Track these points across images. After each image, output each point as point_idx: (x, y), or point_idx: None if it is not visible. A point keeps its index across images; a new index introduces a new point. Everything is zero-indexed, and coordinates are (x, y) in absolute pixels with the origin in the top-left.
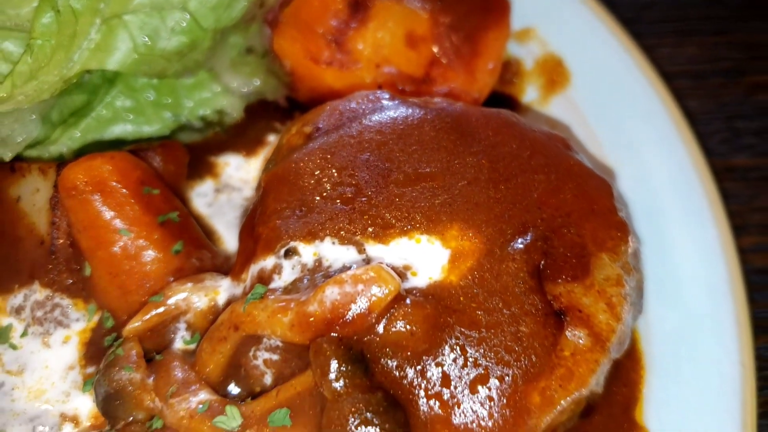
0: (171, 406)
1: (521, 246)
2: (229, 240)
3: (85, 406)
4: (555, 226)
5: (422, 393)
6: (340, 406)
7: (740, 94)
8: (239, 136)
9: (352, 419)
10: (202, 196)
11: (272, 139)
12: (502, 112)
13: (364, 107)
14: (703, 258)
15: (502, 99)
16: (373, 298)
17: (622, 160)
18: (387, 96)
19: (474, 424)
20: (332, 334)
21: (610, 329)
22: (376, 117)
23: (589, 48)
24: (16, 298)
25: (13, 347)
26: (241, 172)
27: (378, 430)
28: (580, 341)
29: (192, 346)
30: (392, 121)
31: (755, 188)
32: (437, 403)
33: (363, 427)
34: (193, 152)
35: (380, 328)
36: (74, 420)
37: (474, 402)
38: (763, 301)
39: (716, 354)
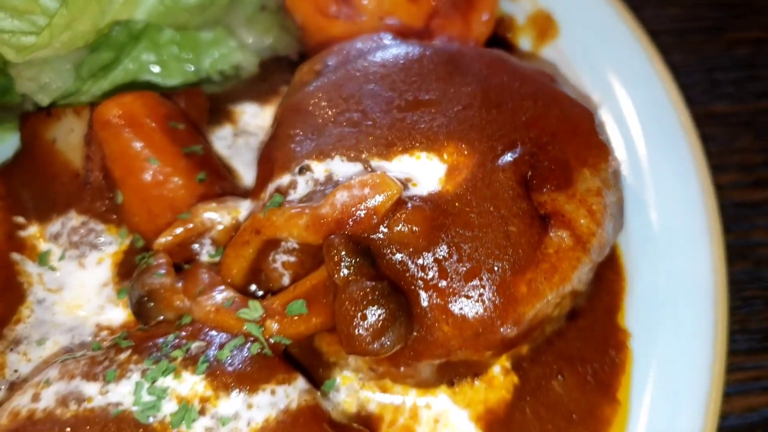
0: (198, 303)
1: (510, 159)
2: (247, 177)
3: (118, 317)
4: (541, 143)
5: (422, 284)
6: (350, 290)
7: (720, 48)
8: (255, 87)
9: (361, 301)
10: (222, 140)
11: (285, 89)
12: (494, 50)
13: (368, 46)
14: (682, 187)
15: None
16: (378, 200)
17: (605, 102)
18: (389, 36)
19: (468, 310)
20: (342, 232)
21: (591, 232)
22: (379, 53)
23: (576, 2)
24: (54, 226)
25: (53, 269)
26: (257, 119)
27: (383, 310)
28: (564, 241)
29: (217, 259)
30: (394, 56)
31: (734, 132)
32: (435, 292)
33: (370, 307)
34: (213, 101)
35: (384, 227)
36: (108, 328)
37: (468, 291)
38: (739, 230)
39: (691, 271)
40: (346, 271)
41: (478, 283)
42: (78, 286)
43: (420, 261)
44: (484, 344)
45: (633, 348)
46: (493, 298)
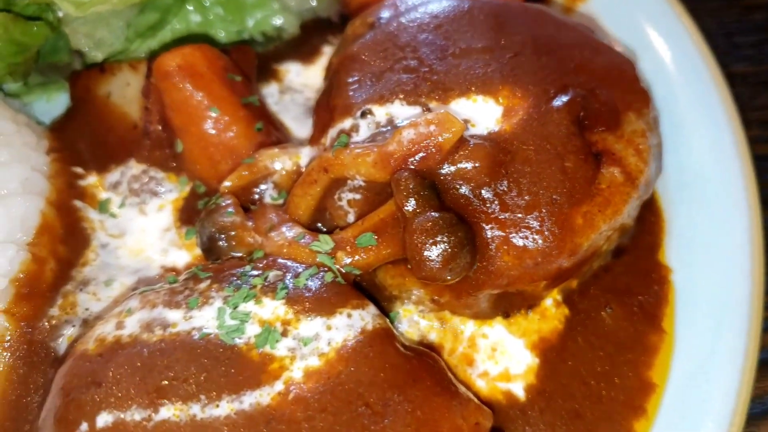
0: (270, 238)
1: (563, 101)
2: (296, 130)
3: (181, 259)
4: (590, 88)
5: (484, 216)
6: (420, 220)
7: (737, 14)
8: (297, 48)
9: (431, 230)
10: (269, 96)
11: (327, 50)
12: (537, 4)
13: (419, 1)
14: (715, 135)
15: None
16: (443, 136)
17: (637, 58)
18: None
19: (528, 241)
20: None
21: (639, 169)
22: (430, 5)
23: None
24: (113, 176)
25: (113, 216)
26: (301, 77)
27: (452, 238)
28: (615, 176)
29: (280, 202)
30: (445, 7)
31: (754, 91)
32: (497, 224)
33: (440, 235)
34: (259, 60)
35: (448, 163)
36: (173, 270)
37: (528, 223)
38: (762, 182)
39: (727, 209)
40: (414, 204)
41: (537, 214)
42: (139, 231)
43: (482, 195)
44: (542, 274)
45: (675, 282)
46: (552, 229)
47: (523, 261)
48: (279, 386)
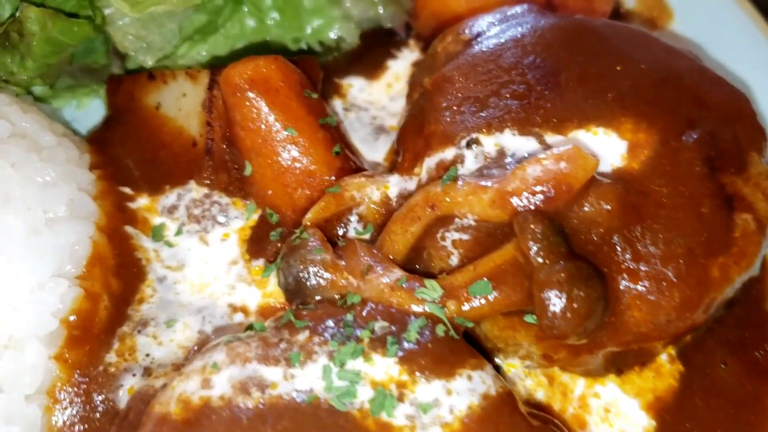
0: (369, 281)
1: (693, 138)
2: (366, 153)
3: (252, 297)
4: (714, 124)
5: (614, 266)
6: (551, 270)
7: None
8: (358, 61)
9: (566, 282)
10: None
11: (392, 64)
12: (639, 28)
13: (518, 17)
14: None
15: None
16: (574, 175)
17: None
18: (535, 7)
19: (663, 295)
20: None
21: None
22: (534, 24)
23: None
24: (168, 198)
25: (169, 244)
26: (364, 93)
27: (589, 293)
28: (748, 224)
29: (366, 237)
30: (552, 27)
31: None
32: (628, 275)
33: (576, 289)
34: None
35: (578, 205)
36: (243, 310)
37: (663, 275)
38: None
39: None
40: (544, 250)
41: (674, 266)
42: (201, 263)
43: (613, 241)
44: (672, 331)
45: None
46: (689, 283)
47: (656, 317)
48: None
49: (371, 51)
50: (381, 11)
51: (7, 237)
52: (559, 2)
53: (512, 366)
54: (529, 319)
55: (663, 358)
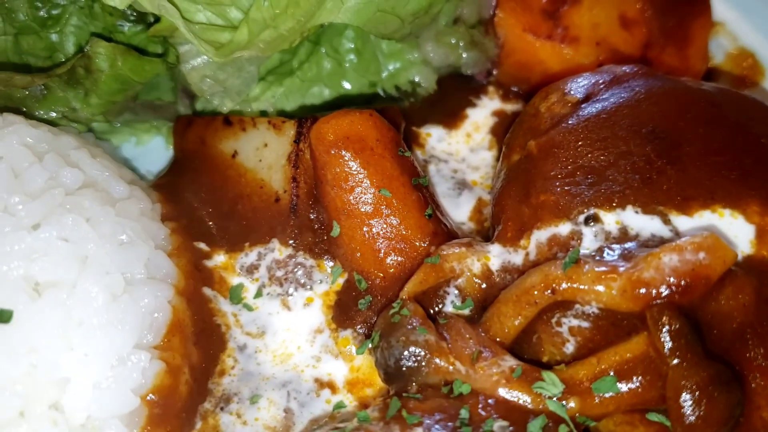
0: (480, 369)
1: None
2: (449, 208)
3: (339, 371)
4: None
5: (745, 363)
6: (689, 374)
7: None
8: (435, 108)
9: (708, 388)
10: None
11: (471, 112)
12: (753, 96)
13: (628, 78)
14: None
15: None
16: (714, 267)
17: None
18: (645, 69)
19: None
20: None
21: None
22: (648, 89)
23: None
24: (248, 257)
25: (249, 308)
26: (443, 144)
27: (731, 398)
28: None
29: (464, 312)
30: (668, 93)
31: None
32: (761, 373)
33: (717, 394)
34: None
35: (713, 299)
36: (330, 386)
37: None
38: None
39: None
40: (681, 350)
41: None
42: (283, 330)
43: (745, 337)
44: None
45: None
46: None
47: None
48: None
49: (448, 98)
50: (463, 57)
51: (88, 306)
52: (653, 56)
53: None
54: (653, 417)
55: None
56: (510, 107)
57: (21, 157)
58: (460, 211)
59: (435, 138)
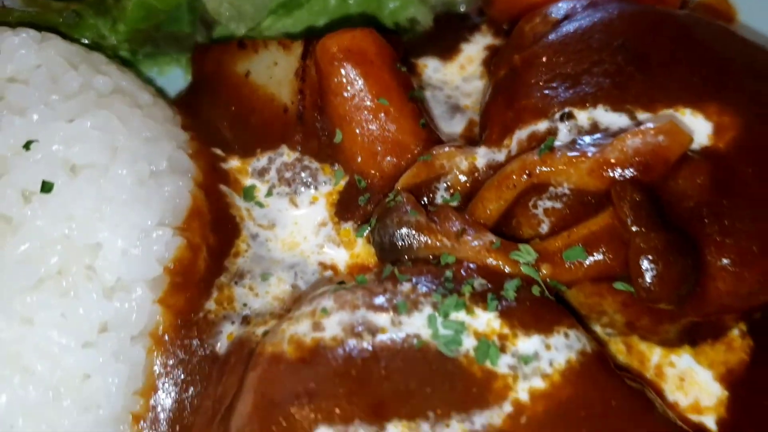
0: (464, 243)
1: None
2: (443, 128)
3: (341, 257)
4: None
5: (703, 238)
6: (650, 238)
7: None
8: (432, 42)
9: (665, 251)
10: None
11: (465, 47)
12: (719, 22)
13: (602, 1)
14: None
15: None
16: (672, 149)
17: None
18: None
19: (747, 268)
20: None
21: None
22: (621, 10)
23: None
24: (259, 162)
25: (260, 205)
26: (438, 74)
27: (686, 261)
28: None
29: (452, 204)
30: (639, 14)
31: None
32: (715, 247)
33: (675, 257)
34: None
35: (671, 178)
36: (333, 268)
37: (749, 249)
38: None
39: None
40: (642, 219)
41: (757, 240)
42: (291, 224)
43: (701, 214)
44: (753, 303)
45: None
46: None
47: (739, 289)
48: (507, 408)
49: (445, 33)
50: None
51: (118, 186)
52: None
53: (595, 334)
54: (619, 286)
55: (735, 332)
56: (501, 42)
57: (58, 65)
58: (452, 130)
59: (431, 69)
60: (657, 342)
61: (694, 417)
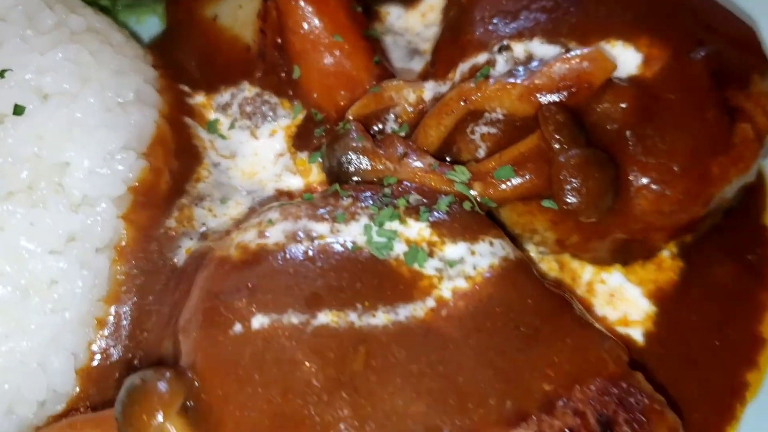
0: (405, 164)
1: (702, 55)
2: (401, 72)
3: (296, 184)
4: (722, 46)
5: (626, 158)
6: (571, 154)
7: None
8: None
9: (583, 164)
10: None
11: None
12: None
13: None
14: None
15: None
16: (595, 74)
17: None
18: None
19: (667, 186)
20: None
21: (766, 128)
22: None
23: None
24: (223, 97)
25: (223, 137)
26: (401, 21)
27: (603, 175)
28: (747, 132)
29: (400, 134)
30: None
31: None
32: (638, 167)
33: (591, 171)
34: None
35: (597, 102)
36: (289, 194)
37: (669, 169)
38: None
39: None
40: (564, 138)
41: (679, 161)
42: (251, 154)
43: (625, 136)
44: (674, 222)
45: None
46: (691, 176)
47: (660, 206)
48: (431, 303)
49: None
50: None
51: (86, 112)
52: None
53: (526, 252)
54: (547, 203)
55: (665, 254)
56: None
57: (34, 4)
58: (410, 72)
59: (394, 16)
60: (589, 260)
61: (621, 329)
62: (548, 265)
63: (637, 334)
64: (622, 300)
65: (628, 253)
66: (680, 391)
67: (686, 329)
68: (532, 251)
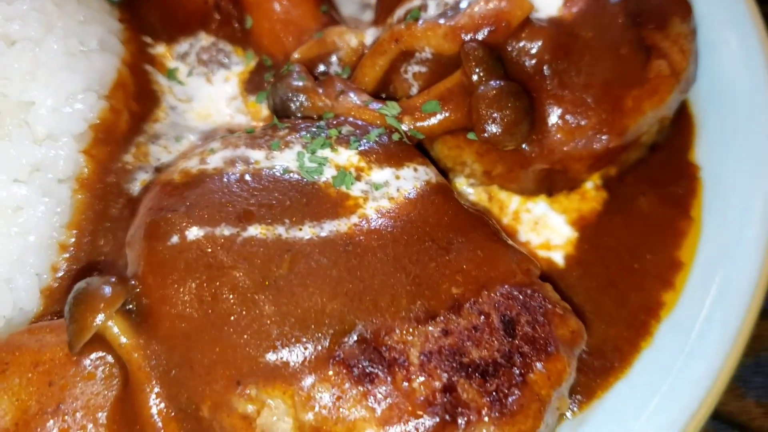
0: (341, 101)
1: None
2: (352, 24)
3: (246, 123)
4: None
5: (543, 92)
6: (488, 86)
7: None
8: None
9: (498, 95)
10: None
11: None
12: None
13: None
14: (744, 48)
15: None
16: (513, 13)
17: None
18: None
19: (582, 118)
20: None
21: (682, 66)
22: None
23: None
24: (182, 47)
25: (181, 83)
26: None
27: (517, 104)
28: (662, 68)
29: (342, 76)
30: None
31: None
32: (554, 100)
33: (507, 101)
34: None
35: (514, 40)
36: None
37: (583, 101)
38: None
39: (753, 116)
40: (482, 72)
41: (593, 94)
42: (206, 98)
43: (543, 71)
44: (590, 152)
45: (703, 179)
46: (605, 108)
47: (576, 137)
48: (354, 219)
49: None
50: None
51: (50, 56)
52: None
53: (459, 184)
54: (471, 136)
55: (589, 185)
56: None
57: None
58: (361, 23)
59: None
60: (516, 191)
61: (543, 252)
62: (478, 197)
63: (558, 257)
64: (546, 227)
65: (552, 184)
66: (598, 308)
67: (606, 253)
68: (464, 184)
